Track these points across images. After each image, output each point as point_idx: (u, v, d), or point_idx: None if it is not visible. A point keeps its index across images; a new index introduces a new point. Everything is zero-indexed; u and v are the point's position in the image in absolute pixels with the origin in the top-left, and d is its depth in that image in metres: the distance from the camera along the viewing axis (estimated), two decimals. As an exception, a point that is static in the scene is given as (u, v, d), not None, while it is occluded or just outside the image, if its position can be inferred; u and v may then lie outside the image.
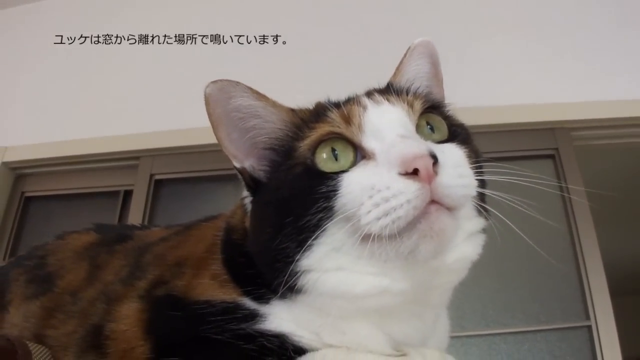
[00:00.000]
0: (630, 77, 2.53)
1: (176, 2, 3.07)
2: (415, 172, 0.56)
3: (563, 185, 2.23)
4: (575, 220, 2.27)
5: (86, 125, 2.71)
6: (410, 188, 0.56)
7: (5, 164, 2.68)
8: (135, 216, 2.44)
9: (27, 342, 0.72)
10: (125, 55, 2.90)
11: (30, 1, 3.17)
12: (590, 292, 2.16)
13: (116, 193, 2.65)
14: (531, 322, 2.16)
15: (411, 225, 0.57)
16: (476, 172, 0.63)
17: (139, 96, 2.76)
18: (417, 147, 0.58)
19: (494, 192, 0.64)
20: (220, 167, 2.31)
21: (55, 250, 0.96)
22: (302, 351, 0.63)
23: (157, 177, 2.61)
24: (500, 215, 0.66)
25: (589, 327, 2.11)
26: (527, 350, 2.11)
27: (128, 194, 2.61)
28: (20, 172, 2.77)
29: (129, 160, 2.66)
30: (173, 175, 2.61)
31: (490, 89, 2.51)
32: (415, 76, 0.77)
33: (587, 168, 2.42)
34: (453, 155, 0.63)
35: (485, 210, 0.66)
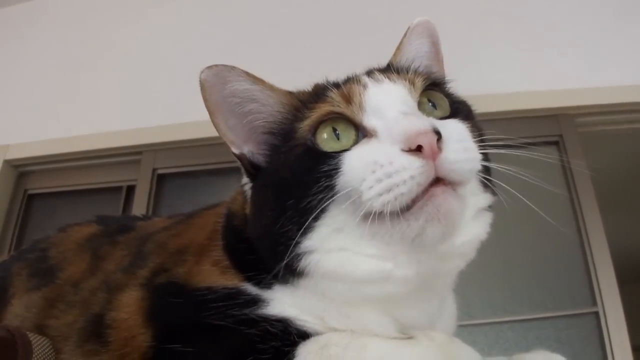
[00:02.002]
0: (634, 63, 2.52)
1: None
2: (418, 149, 0.55)
3: (567, 168, 2.21)
4: (581, 206, 2.26)
5: (87, 121, 2.71)
6: (414, 164, 0.55)
7: (7, 161, 2.68)
8: (138, 211, 2.43)
9: (28, 332, 0.71)
10: (125, 50, 2.90)
11: (30, -1, 3.17)
12: (597, 278, 2.15)
13: (119, 188, 2.65)
14: (538, 309, 2.15)
15: (417, 207, 0.56)
16: (480, 147, 0.62)
17: (140, 91, 2.75)
18: (421, 123, 0.57)
19: (500, 166, 0.63)
20: (223, 160, 2.30)
21: (57, 243, 0.95)
22: (306, 335, 0.61)
23: (160, 171, 2.60)
24: (508, 187, 0.64)
25: (597, 314, 2.10)
26: (535, 338, 2.10)
27: (131, 189, 2.61)
28: (22, 169, 2.77)
29: (131, 156, 2.66)
30: (176, 170, 2.61)
31: (493, 76, 2.48)
32: (416, 55, 0.76)
33: (592, 154, 2.40)
34: (456, 130, 0.62)
35: (492, 184, 0.65)
